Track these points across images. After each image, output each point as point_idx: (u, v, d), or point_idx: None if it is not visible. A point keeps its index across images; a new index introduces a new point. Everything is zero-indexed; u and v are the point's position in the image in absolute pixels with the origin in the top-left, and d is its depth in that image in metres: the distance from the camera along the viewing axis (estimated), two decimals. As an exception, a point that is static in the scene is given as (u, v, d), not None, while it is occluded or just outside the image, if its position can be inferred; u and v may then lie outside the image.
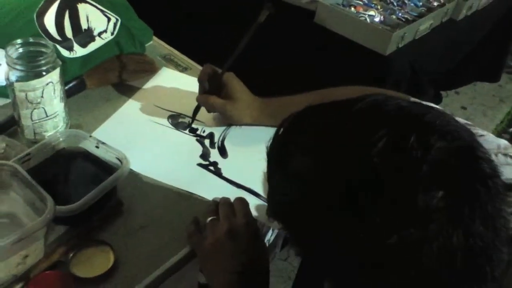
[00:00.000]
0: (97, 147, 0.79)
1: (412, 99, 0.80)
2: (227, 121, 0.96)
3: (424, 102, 0.76)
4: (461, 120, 0.71)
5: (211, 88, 0.94)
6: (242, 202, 0.75)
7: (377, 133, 0.43)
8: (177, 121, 0.96)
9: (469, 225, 0.42)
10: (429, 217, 0.41)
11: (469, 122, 0.70)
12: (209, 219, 0.73)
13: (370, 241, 0.43)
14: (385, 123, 0.44)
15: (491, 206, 0.43)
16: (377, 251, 0.43)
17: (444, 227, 0.41)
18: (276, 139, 0.53)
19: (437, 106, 0.75)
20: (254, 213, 0.76)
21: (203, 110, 0.96)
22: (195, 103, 0.97)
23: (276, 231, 0.92)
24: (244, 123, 0.95)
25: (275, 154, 0.53)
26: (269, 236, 0.92)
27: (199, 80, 0.94)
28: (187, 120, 0.97)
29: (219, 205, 0.75)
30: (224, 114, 0.94)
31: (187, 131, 0.95)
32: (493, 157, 0.59)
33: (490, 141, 0.64)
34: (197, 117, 0.97)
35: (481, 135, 0.65)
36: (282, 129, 0.53)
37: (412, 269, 0.42)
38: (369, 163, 0.43)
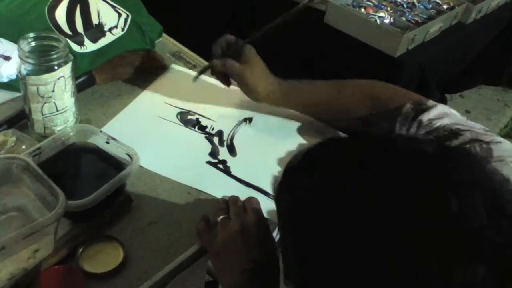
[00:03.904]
0: (107, 142, 0.79)
1: (422, 98, 0.81)
2: (241, 89, 0.94)
3: (438, 106, 0.76)
4: (477, 125, 0.71)
5: (228, 54, 0.92)
6: (252, 200, 0.75)
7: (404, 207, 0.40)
8: (186, 118, 0.96)
9: None
10: None
11: (485, 128, 0.70)
12: (220, 217, 0.72)
13: None
14: (413, 187, 0.41)
15: None
16: None
17: None
18: (284, 183, 0.49)
19: (462, 120, 0.73)
20: (263, 211, 0.76)
21: (211, 107, 0.96)
22: (204, 101, 0.97)
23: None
24: (257, 94, 0.92)
25: (285, 211, 0.48)
26: (274, 235, 0.92)
27: (218, 44, 0.92)
28: (196, 117, 0.96)
29: (229, 204, 0.75)
30: (240, 80, 0.92)
31: (196, 128, 0.94)
32: (510, 165, 0.59)
33: (507, 148, 0.64)
34: (205, 114, 0.97)
35: (498, 142, 0.65)
36: (290, 167, 0.49)
37: None
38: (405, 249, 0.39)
